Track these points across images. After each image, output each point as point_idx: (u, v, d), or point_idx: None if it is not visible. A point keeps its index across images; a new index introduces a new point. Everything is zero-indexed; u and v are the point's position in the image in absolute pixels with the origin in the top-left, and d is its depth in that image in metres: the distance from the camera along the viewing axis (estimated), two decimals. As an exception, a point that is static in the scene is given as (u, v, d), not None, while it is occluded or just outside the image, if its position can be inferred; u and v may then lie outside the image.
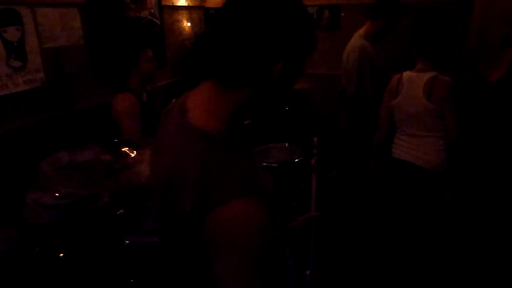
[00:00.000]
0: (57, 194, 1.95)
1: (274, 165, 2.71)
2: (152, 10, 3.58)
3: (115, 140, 1.82)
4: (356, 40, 3.06)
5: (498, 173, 3.02)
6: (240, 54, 0.78)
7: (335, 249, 2.72)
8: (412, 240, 2.44)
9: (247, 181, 0.74)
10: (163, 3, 3.83)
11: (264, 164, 2.69)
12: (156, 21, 3.71)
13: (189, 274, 0.84)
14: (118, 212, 1.96)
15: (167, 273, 0.95)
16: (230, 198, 0.70)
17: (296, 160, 2.77)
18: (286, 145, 2.99)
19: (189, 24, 4.39)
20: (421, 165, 2.25)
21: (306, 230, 1.41)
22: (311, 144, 1.58)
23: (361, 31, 3.11)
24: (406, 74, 2.28)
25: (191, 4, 4.36)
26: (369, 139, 2.65)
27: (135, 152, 1.81)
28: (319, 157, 1.52)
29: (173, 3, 4.06)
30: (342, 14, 4.14)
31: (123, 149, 1.80)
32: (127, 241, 1.81)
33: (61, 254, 1.90)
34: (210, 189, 0.72)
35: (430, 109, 2.14)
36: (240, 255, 0.69)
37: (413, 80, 2.22)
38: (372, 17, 3.08)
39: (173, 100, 2.80)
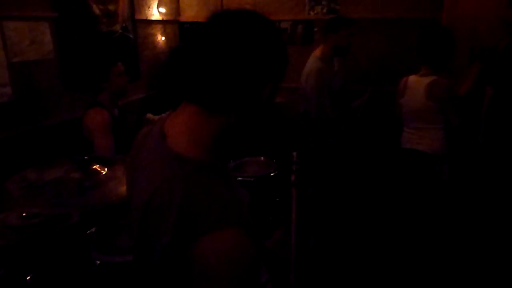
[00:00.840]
0: (23, 214, 1.88)
1: (249, 179, 2.69)
2: (124, 24, 3.55)
3: (85, 157, 1.77)
4: (313, 62, 3.09)
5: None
6: (231, 80, 0.77)
7: (317, 269, 2.71)
8: (401, 257, 2.54)
9: (231, 212, 0.73)
10: (137, 17, 3.82)
11: (240, 178, 2.67)
12: (129, 35, 3.68)
13: None
14: (88, 232, 1.90)
15: None
16: (214, 229, 0.69)
17: (272, 174, 2.77)
18: (262, 159, 2.99)
19: (163, 38, 4.37)
20: (424, 150, 2.67)
21: (285, 248, 1.39)
22: (291, 159, 1.56)
23: (317, 52, 3.14)
24: (411, 77, 2.72)
25: (165, 18, 4.35)
26: (339, 158, 2.77)
27: (106, 169, 1.76)
28: (298, 173, 1.51)
29: (147, 17, 4.04)
30: (315, 29, 4.22)
31: (93, 167, 1.75)
32: (98, 261, 1.76)
33: (28, 277, 1.82)
34: (193, 219, 0.70)
35: (430, 106, 2.59)
36: (220, 284, 0.68)
37: (416, 83, 2.67)
38: (323, 39, 3.16)
39: (148, 115, 2.75)
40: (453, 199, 2.76)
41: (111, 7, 3.35)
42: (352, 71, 3.93)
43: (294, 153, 1.54)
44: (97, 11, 3.18)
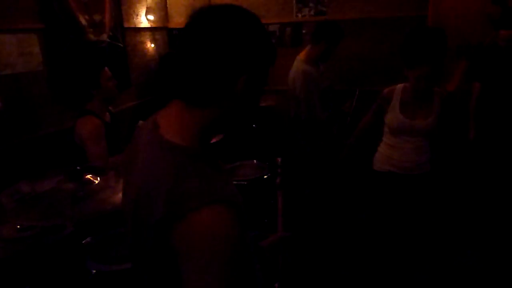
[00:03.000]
0: (18, 227, 1.88)
1: (243, 182, 2.70)
2: (111, 33, 3.56)
3: (77, 168, 1.78)
4: (299, 65, 3.09)
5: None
6: (202, 73, 0.80)
7: (305, 262, 2.74)
8: (389, 252, 2.53)
9: (217, 190, 0.75)
10: (126, 25, 3.82)
11: (234, 182, 2.69)
12: (118, 43, 3.68)
13: None
14: (83, 241, 1.90)
15: None
16: (200, 205, 0.72)
17: (265, 177, 2.78)
18: (254, 162, 3.00)
19: (152, 45, 4.38)
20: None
21: (275, 250, 1.41)
22: (276, 164, 1.63)
23: (302, 54, 3.14)
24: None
25: (154, 26, 4.36)
26: (332, 158, 2.82)
27: (98, 179, 1.77)
28: (283, 176, 1.56)
29: (135, 25, 4.05)
30: (304, 31, 4.25)
31: (86, 177, 1.76)
32: (94, 270, 1.76)
33: (25, 289, 1.82)
34: (181, 197, 0.73)
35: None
36: (208, 260, 0.70)
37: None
38: (312, 41, 3.14)
39: (140, 122, 2.78)
40: (443, 195, 2.77)
41: (96, 17, 3.36)
42: (340, 71, 3.96)
43: (279, 159, 1.62)
44: (83, 21, 3.19)
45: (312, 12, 4.18)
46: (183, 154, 0.81)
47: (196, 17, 0.84)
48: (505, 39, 3.14)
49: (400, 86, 2.41)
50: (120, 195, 1.68)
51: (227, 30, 0.80)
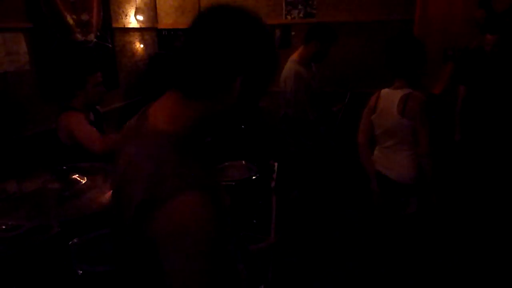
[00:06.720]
0: (3, 227, 1.85)
1: (231, 183, 2.70)
2: (99, 33, 3.54)
3: (64, 167, 1.76)
4: (291, 65, 3.11)
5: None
6: (202, 66, 0.82)
7: (292, 265, 2.74)
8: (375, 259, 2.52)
9: (193, 176, 0.77)
10: (114, 25, 3.80)
11: (222, 183, 2.69)
12: (106, 43, 3.66)
13: None
14: (70, 242, 1.88)
15: None
16: (176, 192, 0.73)
17: (254, 177, 2.78)
18: (243, 162, 3.00)
19: (141, 46, 4.36)
20: (394, 178, 2.34)
21: (265, 257, 1.41)
22: (271, 168, 1.61)
23: (295, 55, 3.17)
24: (384, 91, 2.37)
25: (143, 26, 4.35)
26: (320, 160, 2.85)
27: (85, 178, 1.76)
28: (278, 181, 1.55)
29: (124, 25, 4.03)
30: (293, 33, 4.27)
31: (72, 176, 1.75)
32: (80, 271, 1.75)
33: (10, 290, 1.79)
34: (159, 184, 0.74)
35: (403, 124, 2.22)
36: (186, 246, 0.72)
37: (389, 97, 2.31)
38: (304, 42, 3.18)
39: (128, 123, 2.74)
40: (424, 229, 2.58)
41: (84, 17, 3.34)
42: (330, 74, 3.99)
43: (275, 163, 1.60)
44: (70, 21, 3.16)
45: (301, 14, 4.21)
46: (166, 140, 0.82)
47: (203, 15, 0.86)
48: (490, 43, 3.20)
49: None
50: (107, 195, 1.67)
51: (230, 30, 0.82)
